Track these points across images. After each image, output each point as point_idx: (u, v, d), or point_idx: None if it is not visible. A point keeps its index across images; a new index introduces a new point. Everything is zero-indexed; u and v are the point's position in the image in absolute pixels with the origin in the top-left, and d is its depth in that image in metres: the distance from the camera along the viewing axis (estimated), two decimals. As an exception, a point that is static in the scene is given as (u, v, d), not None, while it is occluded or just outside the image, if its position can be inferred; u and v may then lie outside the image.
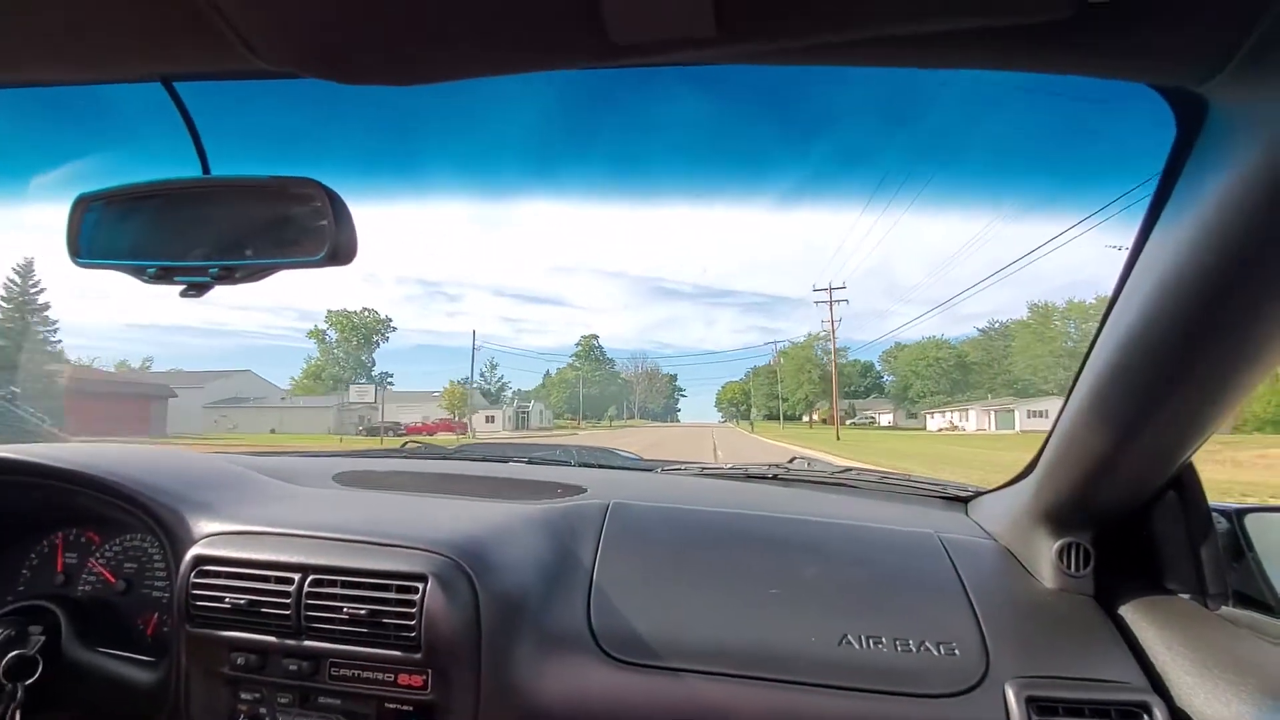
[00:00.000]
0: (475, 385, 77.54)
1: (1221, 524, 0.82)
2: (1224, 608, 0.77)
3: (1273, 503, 0.91)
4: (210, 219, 0.65)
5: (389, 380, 70.53)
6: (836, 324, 38.23)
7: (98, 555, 1.05)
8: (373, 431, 33.91)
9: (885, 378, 69.76)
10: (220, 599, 0.80)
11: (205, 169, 0.64)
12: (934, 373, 58.49)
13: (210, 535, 0.87)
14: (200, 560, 0.83)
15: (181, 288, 0.63)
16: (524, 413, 55.11)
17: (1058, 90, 0.48)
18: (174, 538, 0.90)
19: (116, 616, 1.00)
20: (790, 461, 1.37)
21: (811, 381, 60.12)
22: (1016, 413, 38.21)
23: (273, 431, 32.80)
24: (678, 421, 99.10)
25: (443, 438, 28.60)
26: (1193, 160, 0.49)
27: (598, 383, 78.13)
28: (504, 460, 1.42)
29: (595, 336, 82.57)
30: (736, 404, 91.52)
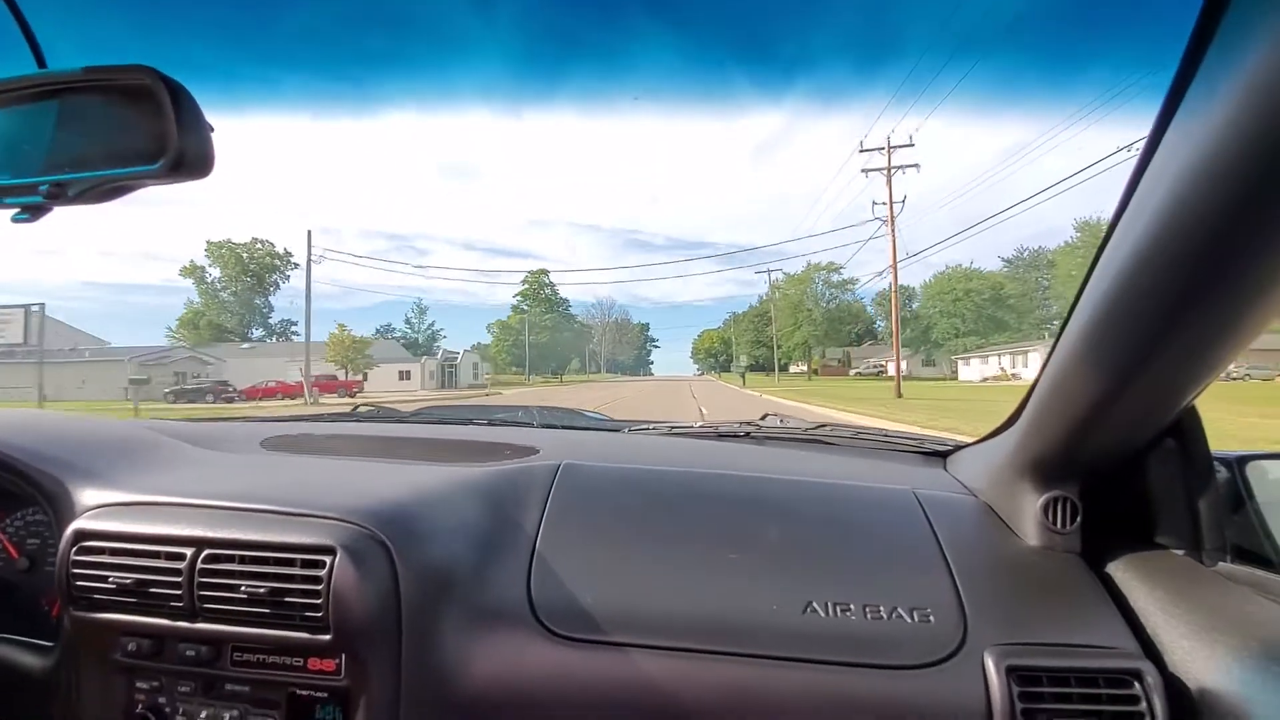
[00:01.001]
0: (393, 334, 75.37)
1: (1221, 473, 0.88)
2: (1222, 564, 0.84)
3: (1275, 449, 0.97)
4: (38, 126, 0.64)
5: (292, 330, 67.15)
6: (897, 209, 26.02)
7: None
8: (184, 397, 30.24)
9: (879, 323, 70.97)
10: (104, 578, 0.83)
11: (40, 61, 0.65)
12: (964, 309, 56.52)
13: (95, 507, 0.90)
14: (80, 535, 0.86)
15: (13, 211, 0.64)
16: (450, 367, 53.47)
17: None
18: (59, 511, 0.93)
19: (20, 597, 1.04)
20: (763, 418, 1.48)
21: (813, 322, 59.21)
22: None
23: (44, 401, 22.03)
24: (650, 375, 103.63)
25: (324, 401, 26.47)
26: (1215, 48, 0.49)
27: (547, 329, 75.39)
28: (463, 423, 1.51)
29: (545, 272, 79.57)
30: (715, 354, 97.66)
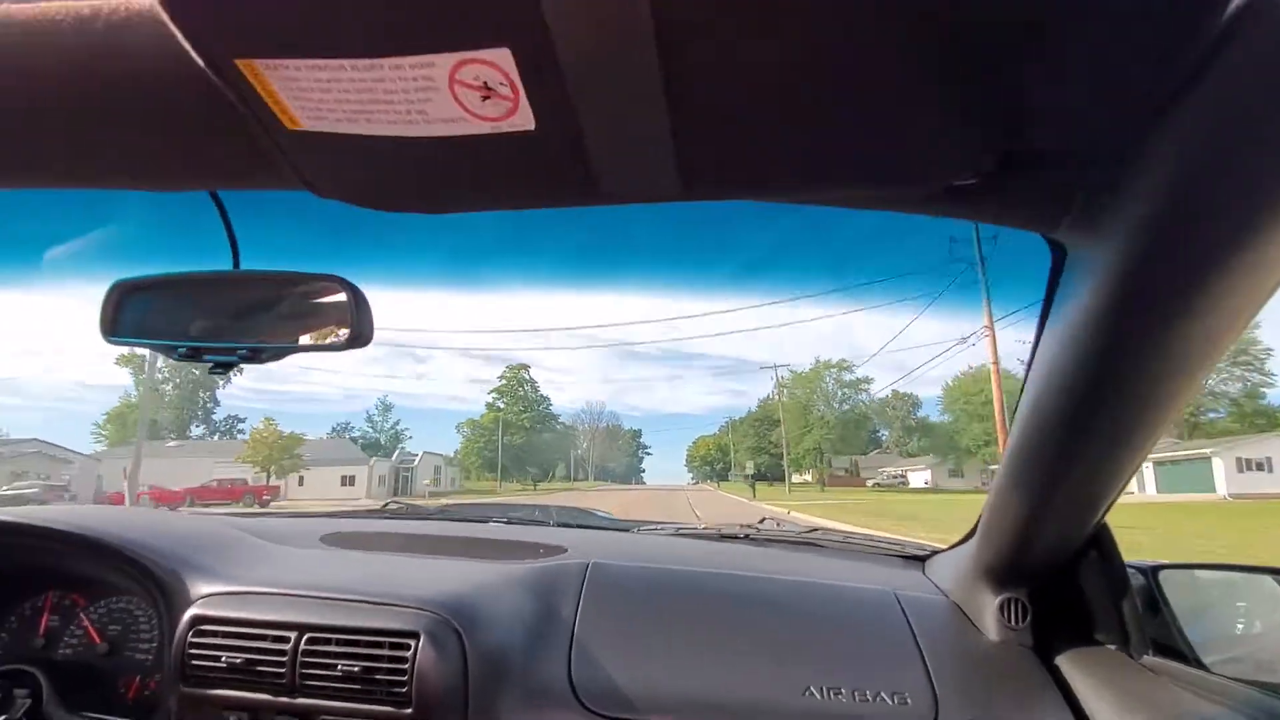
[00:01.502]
0: (353, 433, 67.19)
1: (1139, 579, 1.09)
2: (1145, 657, 1.02)
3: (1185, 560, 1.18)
4: (239, 307, 0.87)
5: (239, 428, 62.00)
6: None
7: (83, 617, 1.23)
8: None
9: (882, 431, 67.23)
10: (217, 658, 0.99)
11: (236, 263, 0.85)
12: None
13: (208, 595, 1.07)
14: (198, 620, 1.03)
15: (210, 365, 0.85)
16: (406, 470, 48.95)
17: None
18: (170, 599, 1.09)
19: (98, 679, 1.19)
20: (760, 522, 1.66)
21: (825, 425, 54.67)
22: (1217, 463, 29.84)
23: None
24: (642, 484, 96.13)
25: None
26: (1059, 292, 0.71)
27: (524, 429, 70.74)
28: (484, 520, 1.69)
29: (525, 367, 75.04)
30: (711, 461, 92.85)
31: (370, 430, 73.86)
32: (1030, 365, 0.83)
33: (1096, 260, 0.61)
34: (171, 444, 49.05)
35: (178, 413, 61.00)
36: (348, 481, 43.07)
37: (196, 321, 0.85)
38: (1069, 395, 0.74)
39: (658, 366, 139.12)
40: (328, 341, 0.81)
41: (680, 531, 1.65)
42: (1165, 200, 0.51)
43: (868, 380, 55.85)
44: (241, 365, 0.84)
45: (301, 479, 39.51)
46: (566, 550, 1.39)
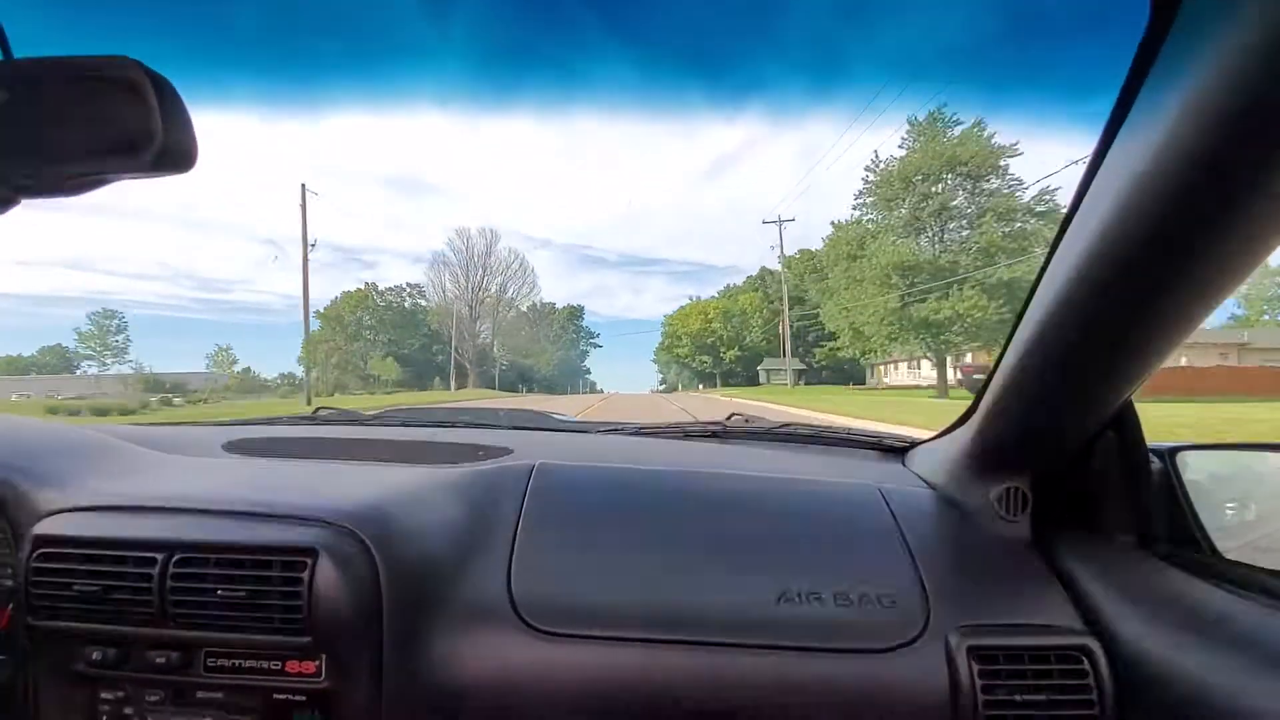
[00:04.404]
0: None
1: (1155, 463, 1.00)
2: (1158, 547, 0.95)
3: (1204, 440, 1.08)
4: (8, 116, 0.61)
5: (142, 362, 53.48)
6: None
7: None
8: None
9: None
10: (68, 586, 0.84)
11: (6, 51, 0.62)
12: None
13: (55, 512, 0.91)
14: (42, 541, 0.88)
15: None
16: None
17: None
18: (13, 517, 0.94)
19: None
20: (729, 418, 1.54)
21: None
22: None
23: None
24: (590, 392, 68.28)
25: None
26: (1164, 53, 0.55)
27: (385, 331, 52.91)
28: (429, 425, 1.54)
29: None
30: (707, 347, 56.43)
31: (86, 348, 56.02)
32: (1080, 199, 0.68)
33: (1217, 39, 0.49)
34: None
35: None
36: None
37: None
38: (1145, 223, 0.61)
39: (618, 271, 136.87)
40: (128, 161, 0.57)
41: (643, 430, 1.50)
42: None
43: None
44: (19, 199, 0.60)
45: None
46: (512, 452, 1.25)
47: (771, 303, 48.94)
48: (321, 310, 54.56)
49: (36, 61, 0.59)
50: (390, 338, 57.10)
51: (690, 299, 67.81)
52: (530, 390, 61.32)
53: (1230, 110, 0.50)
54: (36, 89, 0.59)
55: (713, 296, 63.63)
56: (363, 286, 58.84)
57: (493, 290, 63.47)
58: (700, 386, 54.88)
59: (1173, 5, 0.53)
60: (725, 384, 52.22)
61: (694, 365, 58.80)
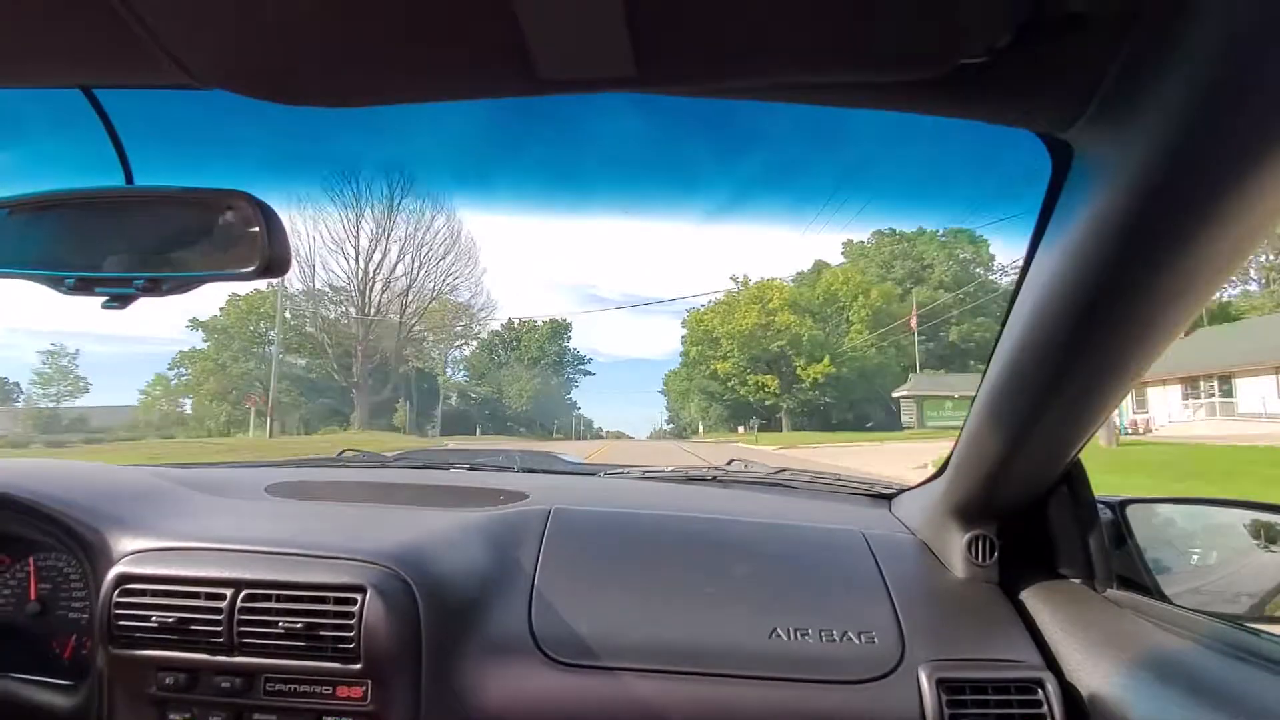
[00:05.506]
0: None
1: (1106, 514, 1.10)
2: (1109, 590, 1.04)
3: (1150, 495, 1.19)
4: (134, 229, 0.76)
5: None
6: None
7: (9, 576, 1.18)
8: None
9: None
10: (146, 618, 0.95)
11: (129, 178, 0.75)
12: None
13: (134, 553, 1.02)
14: (124, 579, 0.98)
15: (103, 299, 0.73)
16: None
17: (966, 126, 0.63)
18: (94, 556, 1.04)
19: (30, 640, 1.14)
20: (728, 463, 1.67)
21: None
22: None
23: None
24: (592, 435, 54.56)
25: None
26: (1063, 199, 0.66)
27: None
28: (445, 467, 1.66)
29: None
30: (767, 359, 36.02)
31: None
32: (1018, 290, 0.79)
33: (1111, 164, 0.57)
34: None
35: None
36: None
37: (85, 248, 0.74)
38: (1064, 316, 0.71)
39: (622, 314, 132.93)
40: (240, 270, 0.70)
41: (647, 475, 1.62)
42: (1219, 67, 0.45)
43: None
44: (140, 297, 0.72)
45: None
46: (528, 496, 1.36)
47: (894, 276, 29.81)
48: (203, 320, 38.97)
49: (162, 190, 0.72)
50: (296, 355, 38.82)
51: (736, 283, 41.72)
52: (487, 433, 43.64)
53: (1131, 219, 0.58)
54: (155, 209, 0.74)
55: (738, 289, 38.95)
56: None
57: (415, 277, 39.49)
58: (740, 429, 35.18)
59: (1065, 164, 0.64)
60: (795, 428, 32.68)
61: (739, 392, 35.83)
